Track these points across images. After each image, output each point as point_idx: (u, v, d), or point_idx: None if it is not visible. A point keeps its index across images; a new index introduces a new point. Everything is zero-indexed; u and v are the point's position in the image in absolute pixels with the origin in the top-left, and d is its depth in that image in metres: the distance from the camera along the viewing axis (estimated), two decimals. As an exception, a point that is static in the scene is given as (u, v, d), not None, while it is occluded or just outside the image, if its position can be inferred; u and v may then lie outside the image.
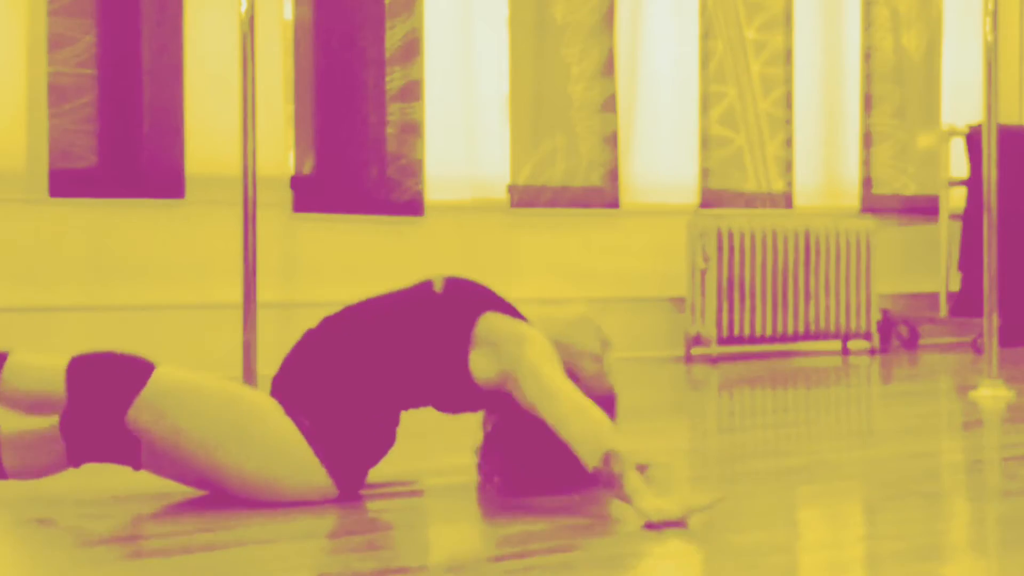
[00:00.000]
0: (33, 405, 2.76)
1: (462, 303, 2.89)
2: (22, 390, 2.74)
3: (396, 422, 2.87)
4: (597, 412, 2.69)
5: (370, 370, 2.82)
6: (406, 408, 2.89)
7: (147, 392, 2.70)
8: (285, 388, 2.82)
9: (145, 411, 2.70)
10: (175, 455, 2.75)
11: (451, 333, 2.85)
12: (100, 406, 2.71)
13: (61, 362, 2.75)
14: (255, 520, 2.63)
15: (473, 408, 2.95)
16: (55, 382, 2.73)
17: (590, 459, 2.63)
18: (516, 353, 2.79)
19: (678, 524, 2.56)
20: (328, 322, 2.91)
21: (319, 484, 2.77)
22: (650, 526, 2.56)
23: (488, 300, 2.91)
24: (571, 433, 2.68)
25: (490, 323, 2.86)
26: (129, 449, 2.81)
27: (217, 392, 2.75)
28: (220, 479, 2.76)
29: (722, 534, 2.61)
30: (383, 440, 2.85)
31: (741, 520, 2.72)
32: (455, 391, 2.88)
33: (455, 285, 2.93)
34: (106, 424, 2.73)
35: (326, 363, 2.83)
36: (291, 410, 2.77)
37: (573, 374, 2.90)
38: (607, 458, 2.61)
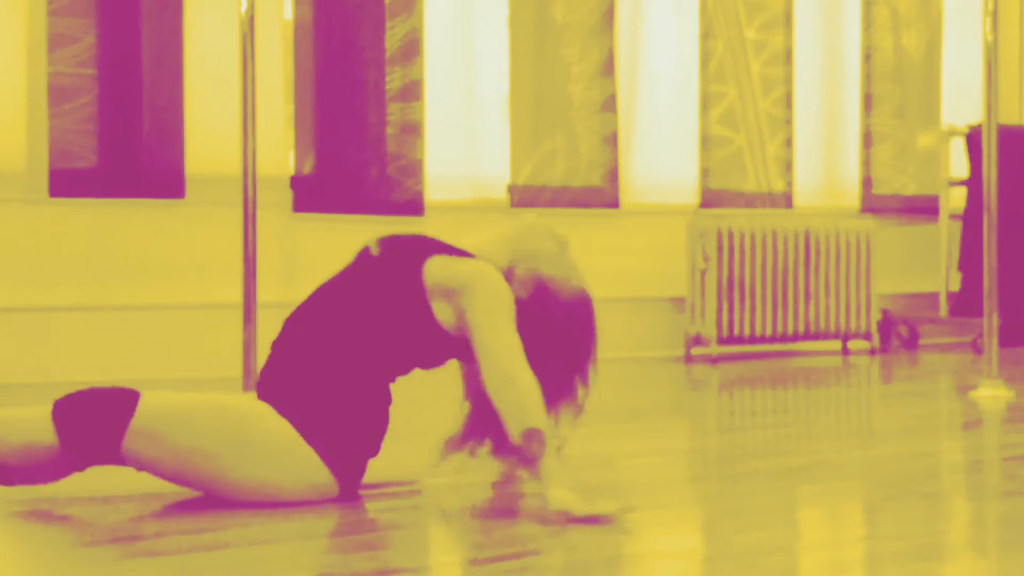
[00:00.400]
0: (22, 457, 2.73)
1: (400, 258, 2.86)
2: (10, 443, 2.72)
3: (388, 400, 2.86)
4: (529, 384, 2.67)
5: (346, 351, 2.80)
6: (392, 379, 2.87)
7: (137, 419, 2.69)
8: (271, 393, 2.81)
9: (139, 438, 2.69)
10: (176, 472, 2.74)
11: (403, 290, 2.82)
12: (94, 444, 2.69)
13: (44, 409, 2.73)
14: (255, 520, 2.62)
15: (457, 355, 2.92)
16: (43, 429, 2.71)
17: (513, 432, 2.63)
18: (464, 300, 2.77)
19: (592, 521, 2.54)
20: (291, 321, 2.89)
21: (320, 482, 2.76)
22: (558, 518, 2.56)
23: (425, 247, 2.89)
24: (499, 401, 2.67)
25: (435, 270, 2.83)
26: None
27: (207, 405, 2.75)
28: (222, 488, 2.75)
29: (722, 534, 2.61)
30: (378, 423, 2.83)
31: (741, 520, 2.72)
32: (431, 345, 2.85)
33: (389, 243, 2.91)
34: (103, 458, 2.72)
35: (303, 358, 2.81)
36: (282, 411, 2.76)
37: (543, 283, 2.87)
38: (527, 434, 2.60)
